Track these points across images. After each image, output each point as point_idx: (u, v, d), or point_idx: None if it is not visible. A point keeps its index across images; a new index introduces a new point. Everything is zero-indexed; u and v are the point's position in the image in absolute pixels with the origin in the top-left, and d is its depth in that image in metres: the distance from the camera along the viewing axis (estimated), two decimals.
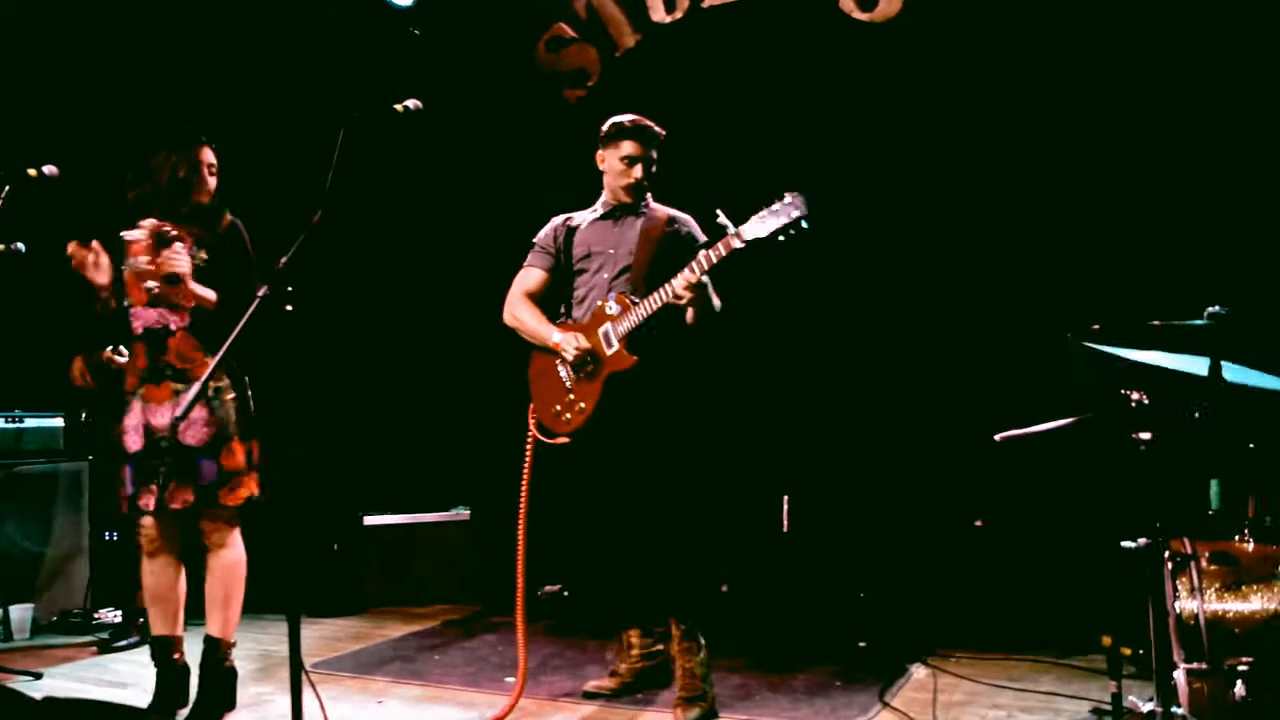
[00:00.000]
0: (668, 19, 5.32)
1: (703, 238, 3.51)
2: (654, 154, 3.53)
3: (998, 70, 4.47)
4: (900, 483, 4.52)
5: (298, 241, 2.51)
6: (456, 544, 5.41)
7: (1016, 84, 4.43)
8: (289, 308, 2.53)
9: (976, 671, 3.73)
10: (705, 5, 5.21)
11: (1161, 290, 3.54)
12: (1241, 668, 2.44)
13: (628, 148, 3.48)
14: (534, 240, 3.69)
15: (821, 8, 4.86)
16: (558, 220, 3.68)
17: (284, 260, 2.52)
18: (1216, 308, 2.50)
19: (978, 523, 4.14)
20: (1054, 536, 3.95)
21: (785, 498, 4.55)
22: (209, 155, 3.54)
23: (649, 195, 3.58)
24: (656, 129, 3.52)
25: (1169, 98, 4.12)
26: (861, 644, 4.08)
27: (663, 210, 3.57)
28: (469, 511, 5.46)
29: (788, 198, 3.06)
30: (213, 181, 3.55)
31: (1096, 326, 2.61)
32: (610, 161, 3.53)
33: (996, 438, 2.70)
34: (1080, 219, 4.27)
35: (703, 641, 3.36)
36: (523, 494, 3.54)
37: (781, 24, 4.97)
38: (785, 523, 4.54)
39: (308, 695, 2.47)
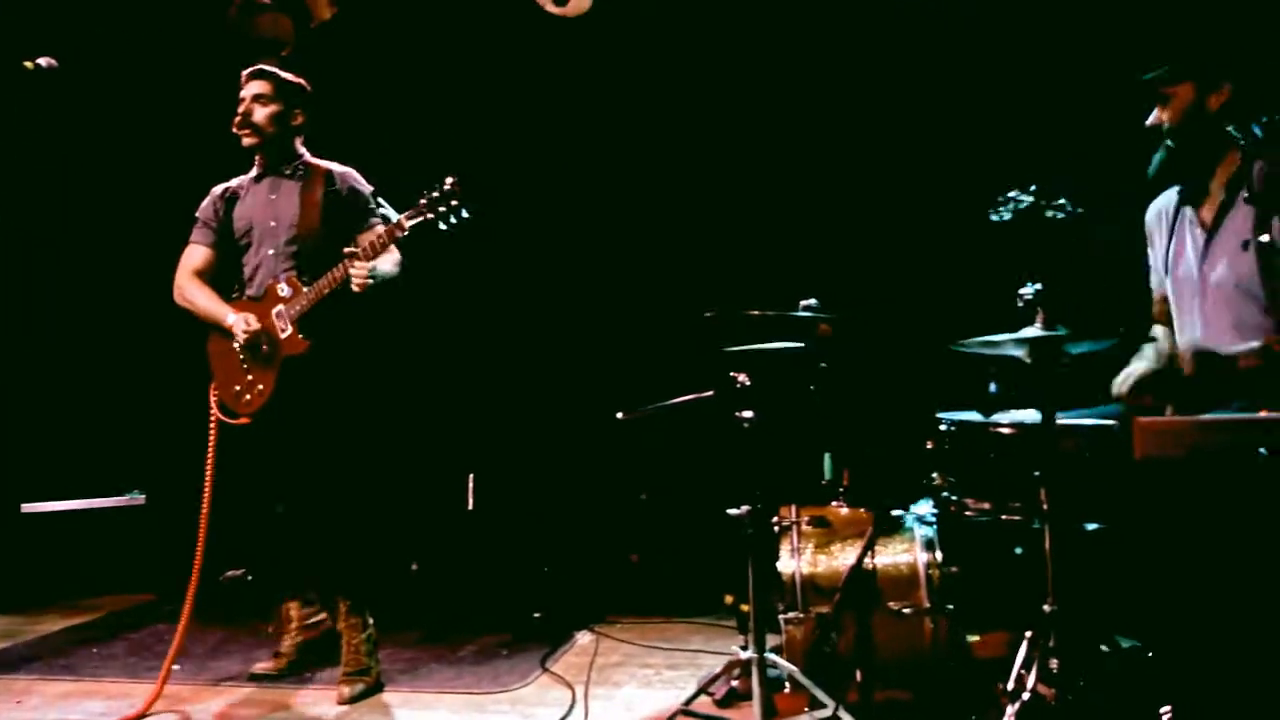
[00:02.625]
0: None
1: (366, 188, 3.52)
2: (288, 104, 3.49)
3: (668, 74, 4.77)
4: (576, 460, 4.75)
5: None
6: (130, 531, 5.13)
7: (682, 88, 4.74)
8: None
9: (636, 635, 4.00)
10: None
11: (777, 283, 3.92)
12: (823, 612, 2.80)
13: (247, 88, 3.47)
14: (196, 214, 3.59)
15: None
16: (217, 191, 3.60)
17: None
18: (811, 300, 2.84)
19: (642, 496, 4.42)
20: (702, 506, 4.28)
21: (470, 476, 4.65)
22: None
23: (304, 153, 3.55)
24: (289, 77, 3.50)
25: (820, 113, 4.57)
26: (536, 614, 4.24)
27: (320, 167, 3.53)
28: (144, 496, 5.19)
29: (448, 185, 3.14)
30: None
31: (709, 314, 2.87)
32: (244, 107, 3.48)
33: (619, 416, 2.93)
34: (723, 220, 4.66)
35: (369, 619, 3.42)
36: (207, 475, 3.45)
37: (477, 10, 5.04)
38: (470, 500, 4.64)
39: None
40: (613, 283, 4.80)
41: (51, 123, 4.76)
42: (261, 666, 3.61)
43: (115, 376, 5.36)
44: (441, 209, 3.12)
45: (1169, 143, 2.74)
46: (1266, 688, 2.14)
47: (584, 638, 4.00)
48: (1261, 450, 2.01)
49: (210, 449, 3.45)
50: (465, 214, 3.13)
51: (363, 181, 3.55)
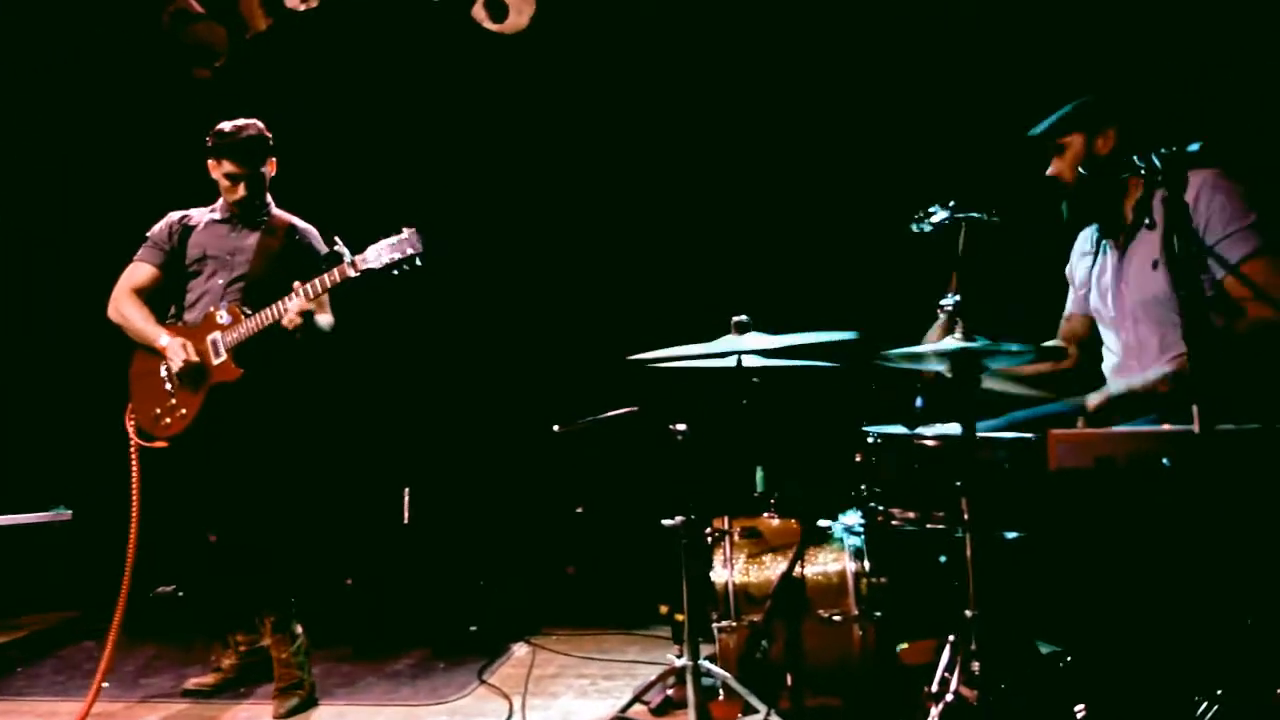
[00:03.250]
0: (301, 6, 5.23)
1: (323, 249, 3.56)
2: (264, 167, 3.51)
3: (598, 91, 4.84)
4: (512, 474, 4.78)
5: None
6: (55, 547, 5.02)
7: (611, 106, 4.81)
8: None
9: (572, 646, 4.04)
10: None
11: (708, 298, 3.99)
12: (756, 620, 2.87)
13: (228, 166, 3.45)
14: (147, 234, 3.59)
15: (455, 13, 5.01)
16: (174, 216, 3.60)
17: None
18: (742, 316, 2.93)
19: (578, 509, 4.47)
20: (636, 519, 4.34)
21: (406, 490, 4.65)
22: None
23: (270, 202, 3.58)
24: (263, 135, 3.49)
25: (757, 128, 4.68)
26: (472, 627, 4.26)
27: (283, 219, 3.58)
28: (70, 512, 5.09)
29: (405, 233, 3.17)
30: None
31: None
32: (216, 175, 3.50)
33: (555, 429, 2.98)
34: (653, 236, 4.73)
35: (298, 631, 3.42)
36: (133, 499, 3.42)
37: (415, 25, 5.07)
38: (406, 514, 4.64)
39: None
40: (547, 298, 4.85)
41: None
42: (195, 681, 3.58)
43: (41, 391, 5.26)
44: (397, 256, 3.15)
45: (1070, 191, 2.89)
46: (1171, 684, 2.26)
47: (520, 650, 4.03)
48: (1165, 460, 2.13)
49: (134, 471, 3.43)
50: (419, 262, 3.15)
51: (320, 240, 3.61)
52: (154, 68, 5.30)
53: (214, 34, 5.39)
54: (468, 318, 4.93)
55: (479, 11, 5.01)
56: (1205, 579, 2.21)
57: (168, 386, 3.41)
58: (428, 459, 4.85)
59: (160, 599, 4.82)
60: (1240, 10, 3.71)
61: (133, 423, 3.45)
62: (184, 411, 3.38)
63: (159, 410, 3.41)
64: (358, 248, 3.23)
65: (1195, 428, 2.03)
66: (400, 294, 4.75)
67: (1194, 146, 2.06)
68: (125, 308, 3.50)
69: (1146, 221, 2.80)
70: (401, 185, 4.88)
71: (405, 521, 4.64)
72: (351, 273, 3.20)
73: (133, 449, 3.44)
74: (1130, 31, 3.87)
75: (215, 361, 3.35)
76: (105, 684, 3.43)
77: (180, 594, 4.86)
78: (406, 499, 4.64)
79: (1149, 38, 3.80)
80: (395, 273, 3.18)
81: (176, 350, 3.33)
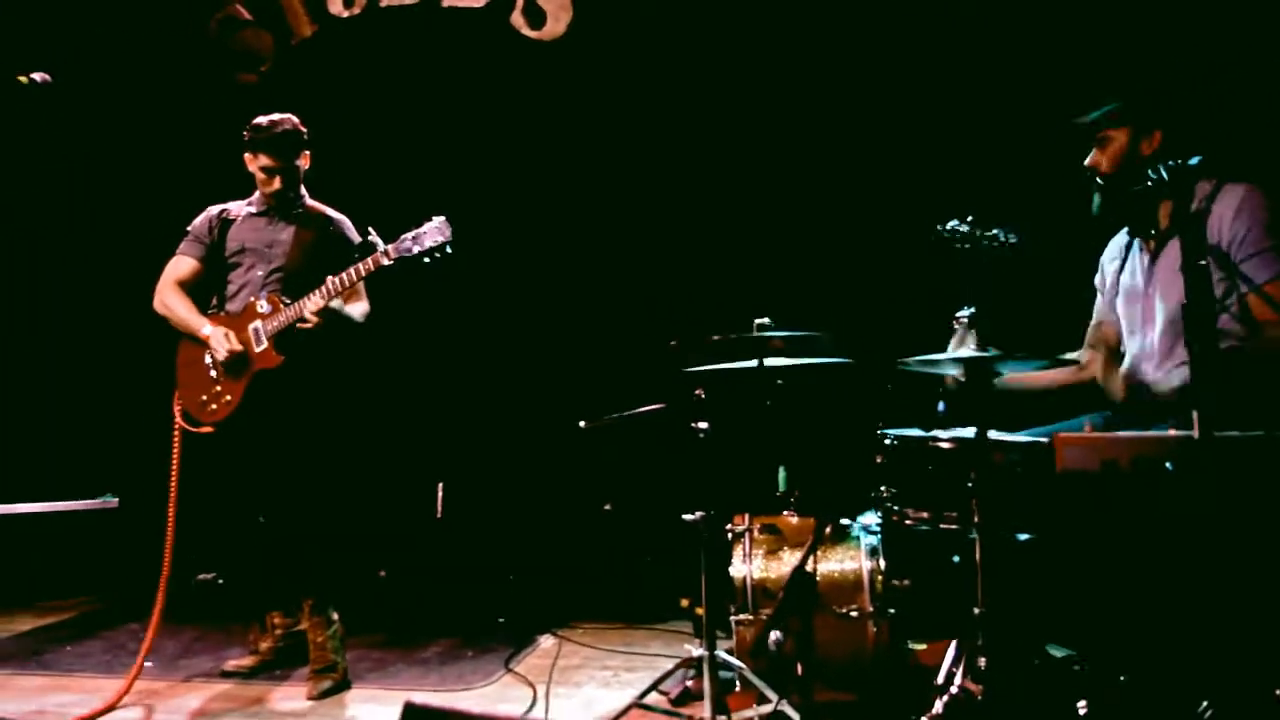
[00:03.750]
0: (345, 13, 5.40)
1: (356, 238, 3.69)
2: (298, 160, 3.65)
3: (636, 97, 4.94)
4: (542, 470, 4.89)
5: None
6: (104, 532, 5.21)
7: (648, 112, 4.92)
8: None
9: (598, 639, 4.13)
10: (383, 5, 5.34)
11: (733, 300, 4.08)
12: (770, 614, 2.96)
13: (264, 160, 3.59)
14: (188, 229, 3.73)
15: (494, 21, 5.15)
16: (213, 211, 3.74)
17: None
18: (764, 319, 3.02)
19: (606, 506, 4.56)
20: (665, 515, 4.43)
21: (439, 485, 4.77)
22: None
23: (304, 194, 3.72)
24: (297, 130, 3.63)
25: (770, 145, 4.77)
26: (501, 619, 4.38)
27: (318, 210, 3.72)
28: (117, 499, 5.27)
29: (436, 221, 3.30)
30: None
31: (674, 343, 3.04)
32: (253, 169, 3.64)
33: (581, 425, 3.08)
34: (683, 239, 4.84)
35: (334, 617, 3.55)
36: (172, 482, 3.57)
37: (455, 32, 5.21)
38: (439, 509, 4.77)
39: None
40: (577, 296, 4.96)
41: (31, 133, 4.87)
42: (234, 663, 3.72)
43: (90, 380, 5.45)
44: (428, 244, 3.28)
45: (1102, 184, 2.92)
46: (1172, 683, 2.33)
47: (546, 641, 4.14)
48: (1168, 464, 2.19)
49: (175, 457, 3.57)
50: (449, 250, 3.28)
51: (353, 230, 3.73)
52: (205, 74, 5.49)
53: (260, 40, 5.57)
54: (500, 316, 5.05)
55: (517, 18, 5.14)
56: (1206, 581, 2.26)
57: (213, 374, 3.56)
58: (461, 455, 4.98)
59: (201, 586, 5.00)
60: None
61: (180, 409, 3.60)
62: (229, 398, 3.52)
63: (205, 397, 3.56)
64: (393, 240, 3.35)
65: (1195, 433, 2.09)
66: (435, 292, 4.90)
67: (1195, 160, 2.12)
68: (169, 299, 3.65)
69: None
70: (440, 185, 5.00)
71: (438, 515, 4.76)
72: (385, 261, 3.32)
73: (176, 434, 3.59)
74: (1183, 41, 3.88)
75: (257, 349, 3.49)
76: (149, 663, 3.58)
77: (220, 581, 5.04)
78: (440, 493, 4.77)
79: (1204, 48, 3.82)
80: (427, 260, 3.29)
81: (220, 340, 3.48)
